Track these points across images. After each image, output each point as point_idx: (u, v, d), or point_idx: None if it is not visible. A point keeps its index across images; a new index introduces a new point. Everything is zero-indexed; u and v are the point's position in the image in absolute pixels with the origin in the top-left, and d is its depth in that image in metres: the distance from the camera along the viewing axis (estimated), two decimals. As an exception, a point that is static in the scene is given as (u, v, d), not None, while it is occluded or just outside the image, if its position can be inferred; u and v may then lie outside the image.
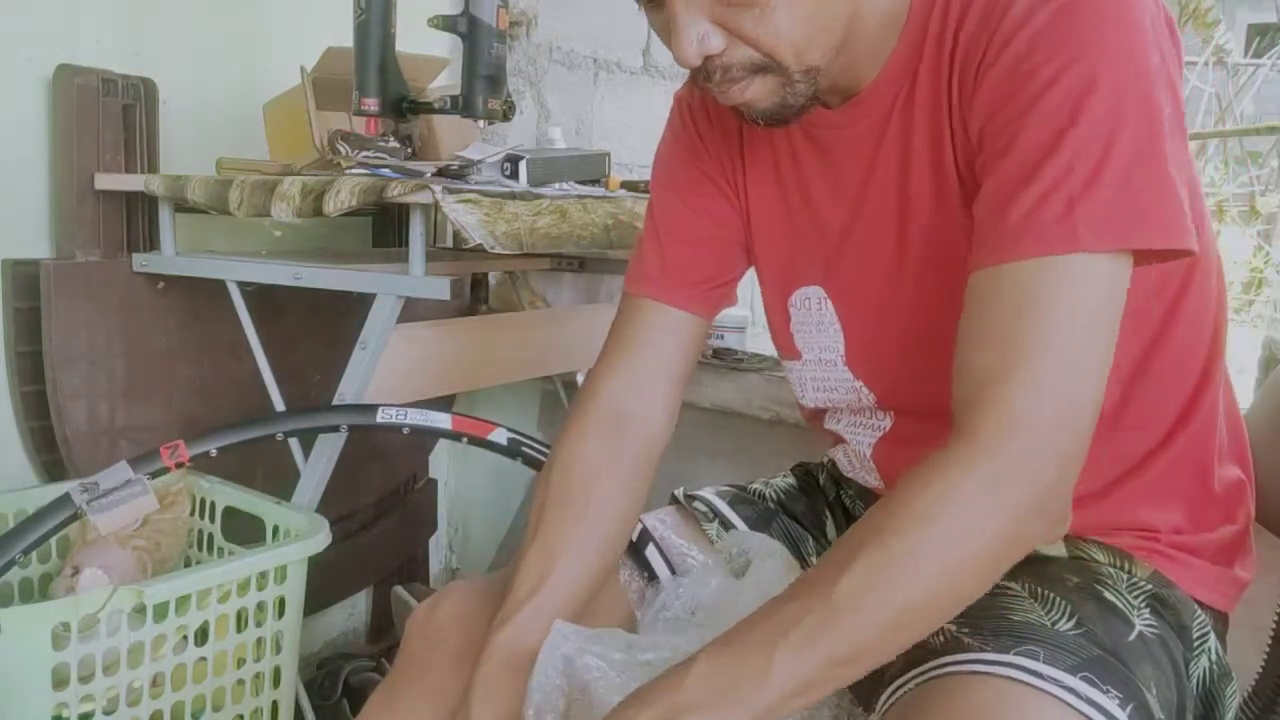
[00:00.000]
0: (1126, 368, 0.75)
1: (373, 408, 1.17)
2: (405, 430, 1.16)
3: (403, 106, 1.27)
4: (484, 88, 1.24)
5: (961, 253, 0.68)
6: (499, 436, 1.18)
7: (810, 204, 0.84)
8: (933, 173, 0.74)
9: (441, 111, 1.28)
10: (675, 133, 0.93)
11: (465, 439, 1.18)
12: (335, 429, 1.19)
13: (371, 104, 1.24)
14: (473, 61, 1.24)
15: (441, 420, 1.16)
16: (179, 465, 1.09)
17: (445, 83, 1.64)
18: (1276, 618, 0.82)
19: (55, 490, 1.28)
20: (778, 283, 0.89)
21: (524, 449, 1.24)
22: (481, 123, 1.29)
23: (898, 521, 0.61)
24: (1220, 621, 0.80)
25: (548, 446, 1.15)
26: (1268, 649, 0.83)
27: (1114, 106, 0.62)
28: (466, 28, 1.23)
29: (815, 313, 0.86)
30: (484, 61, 1.23)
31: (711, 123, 0.89)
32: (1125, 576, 0.76)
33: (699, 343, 0.91)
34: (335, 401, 1.24)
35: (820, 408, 0.91)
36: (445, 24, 1.24)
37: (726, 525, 0.94)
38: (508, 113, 1.29)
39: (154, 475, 1.11)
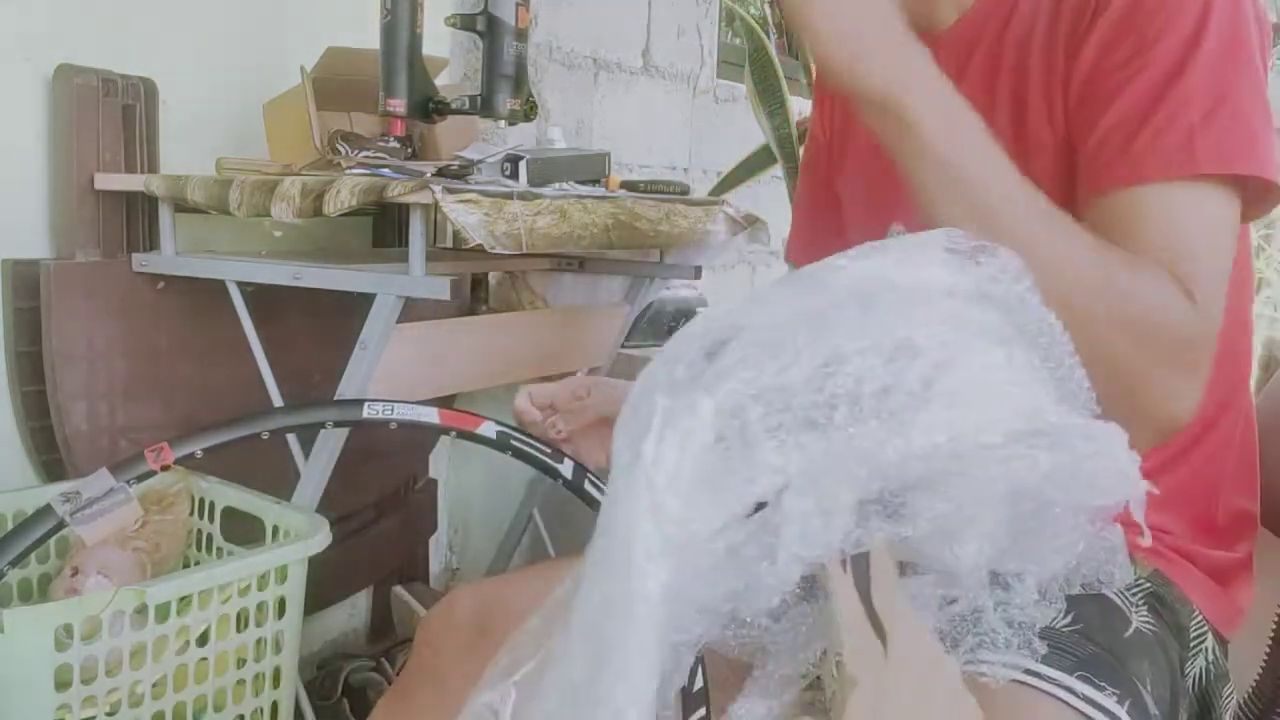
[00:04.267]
0: None
1: (358, 403, 1.15)
2: (392, 425, 1.14)
3: (429, 107, 1.27)
4: (504, 88, 1.24)
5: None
6: (488, 430, 1.14)
7: None
8: (1010, 115, 0.77)
9: (461, 112, 1.28)
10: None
11: (454, 433, 1.15)
12: (321, 426, 1.17)
13: (397, 105, 1.23)
14: (492, 61, 1.23)
15: (429, 415, 1.13)
16: (164, 468, 1.08)
17: (444, 82, 1.64)
18: (1276, 621, 0.82)
19: (55, 490, 1.28)
20: (868, 218, 0.93)
21: (513, 442, 1.22)
22: (503, 123, 1.29)
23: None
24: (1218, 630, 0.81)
25: (538, 440, 1.14)
26: (1267, 651, 0.83)
27: (1222, 47, 0.66)
28: (485, 26, 1.23)
29: None
30: (504, 61, 1.23)
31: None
32: None
33: None
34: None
35: None
36: (464, 23, 1.23)
37: None
38: (529, 113, 1.28)
39: (140, 479, 1.08)
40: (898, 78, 0.62)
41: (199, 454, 1.08)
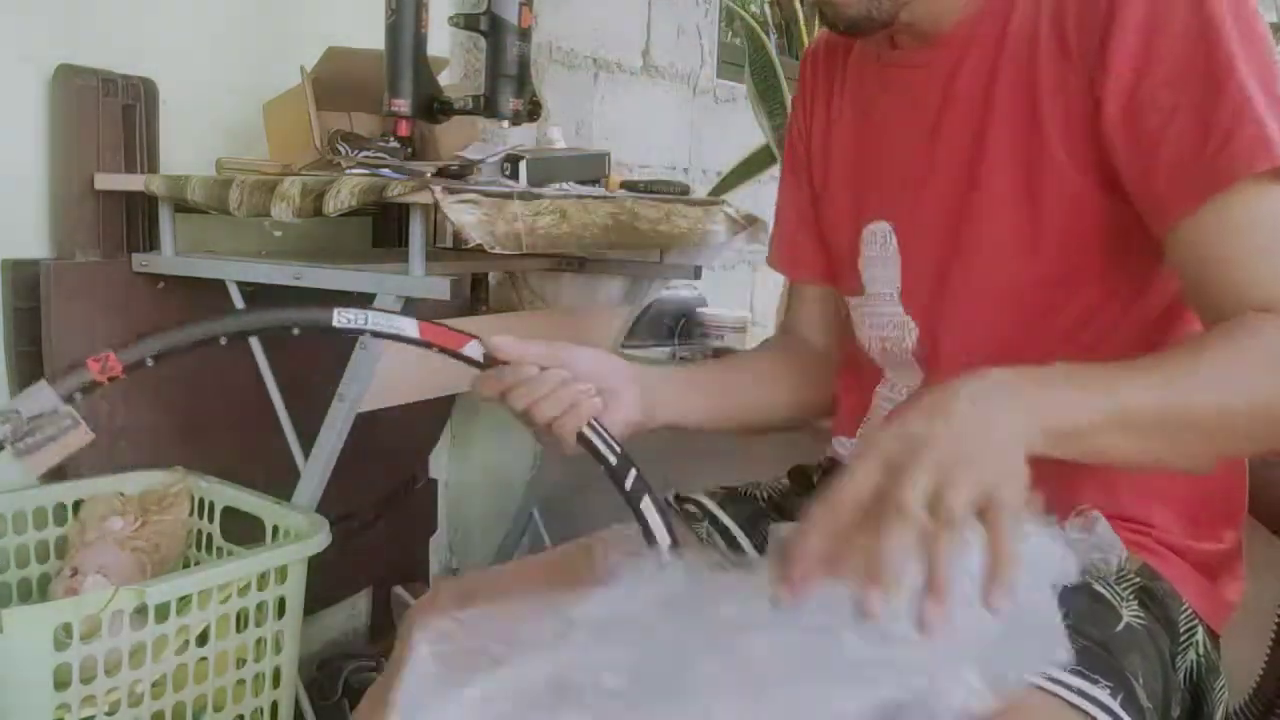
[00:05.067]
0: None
1: (329, 310, 1.08)
2: (366, 334, 1.06)
3: (433, 107, 1.26)
4: (508, 87, 1.24)
5: (1033, 194, 0.76)
6: (473, 350, 1.08)
7: (886, 139, 0.89)
8: (1016, 119, 0.77)
9: (465, 112, 1.28)
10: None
11: (435, 348, 1.08)
12: (287, 330, 1.09)
13: (402, 105, 1.23)
14: (495, 61, 1.23)
15: (408, 326, 1.06)
16: (112, 378, 0.99)
17: (444, 82, 1.63)
18: (1277, 622, 0.82)
19: (54, 491, 1.28)
20: (848, 216, 0.94)
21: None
22: (506, 123, 1.28)
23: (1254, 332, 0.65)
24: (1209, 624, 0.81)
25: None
26: (1268, 651, 0.83)
27: (1243, 47, 0.68)
28: (488, 26, 1.22)
29: (881, 248, 0.89)
30: (507, 61, 1.22)
31: (807, 66, 0.99)
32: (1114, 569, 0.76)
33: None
34: (335, 402, 1.24)
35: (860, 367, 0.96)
36: (467, 22, 1.23)
37: (717, 524, 0.95)
38: (533, 113, 1.28)
39: (84, 391, 0.97)
40: (1054, 425, 0.61)
41: (150, 361, 0.97)
